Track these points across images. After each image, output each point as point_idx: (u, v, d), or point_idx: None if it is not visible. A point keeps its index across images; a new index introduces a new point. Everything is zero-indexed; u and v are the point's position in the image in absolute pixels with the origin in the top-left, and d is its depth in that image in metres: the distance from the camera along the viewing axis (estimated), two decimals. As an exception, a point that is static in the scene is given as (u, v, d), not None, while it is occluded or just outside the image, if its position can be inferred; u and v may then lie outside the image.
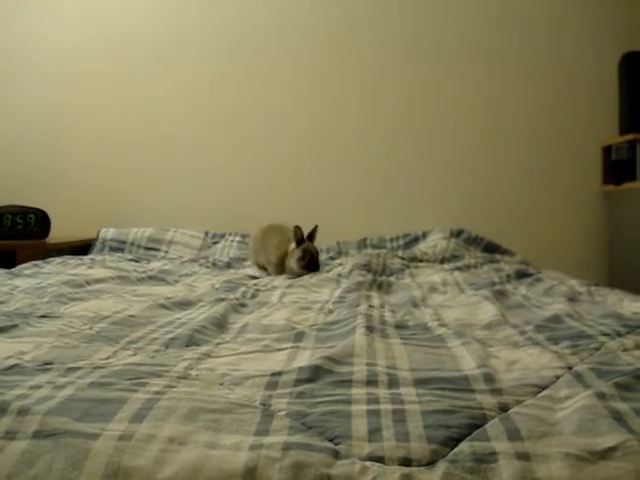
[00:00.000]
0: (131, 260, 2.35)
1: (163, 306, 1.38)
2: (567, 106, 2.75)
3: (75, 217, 2.82)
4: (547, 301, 1.47)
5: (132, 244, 2.60)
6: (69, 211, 2.81)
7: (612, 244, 2.66)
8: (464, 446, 0.62)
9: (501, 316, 1.26)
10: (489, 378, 0.82)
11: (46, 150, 2.91)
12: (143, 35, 2.89)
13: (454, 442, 0.63)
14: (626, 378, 0.80)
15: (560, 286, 1.70)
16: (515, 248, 2.58)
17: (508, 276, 1.91)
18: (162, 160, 2.87)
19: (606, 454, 0.60)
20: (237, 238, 2.63)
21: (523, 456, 0.60)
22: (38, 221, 2.49)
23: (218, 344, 1.04)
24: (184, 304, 1.42)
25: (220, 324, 1.20)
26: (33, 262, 2.06)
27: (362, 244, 2.60)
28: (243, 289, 1.65)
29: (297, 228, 2.01)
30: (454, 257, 2.39)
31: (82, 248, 2.62)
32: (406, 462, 0.60)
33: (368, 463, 0.59)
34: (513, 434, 0.64)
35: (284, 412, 0.71)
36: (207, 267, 2.24)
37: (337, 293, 1.60)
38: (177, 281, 1.86)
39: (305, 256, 1.99)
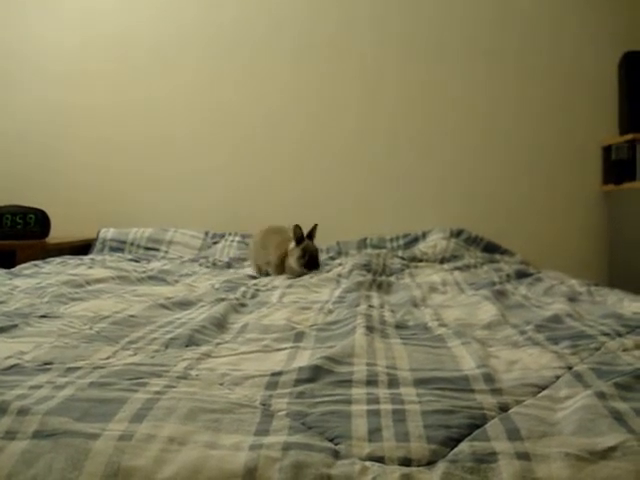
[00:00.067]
0: (131, 260, 2.35)
1: (163, 306, 1.38)
2: (567, 106, 2.75)
3: (75, 217, 2.82)
4: (547, 301, 1.47)
5: (132, 244, 2.60)
6: (69, 211, 2.81)
7: (612, 244, 2.66)
8: (464, 446, 0.62)
9: (501, 316, 1.26)
10: (489, 378, 0.82)
11: (46, 150, 2.91)
12: (143, 35, 2.89)
13: (454, 442, 0.63)
14: (626, 378, 0.79)
15: (560, 286, 1.70)
16: (515, 248, 2.58)
17: (508, 276, 1.91)
18: (162, 160, 2.87)
19: (606, 454, 0.60)
20: (237, 238, 2.63)
21: (523, 456, 0.59)
22: (38, 221, 2.49)
23: (218, 344, 1.04)
24: (184, 304, 1.42)
25: (220, 324, 1.20)
26: (33, 262, 2.06)
27: (362, 244, 2.61)
28: (243, 289, 1.65)
29: (297, 227, 2.01)
30: (454, 257, 2.39)
31: (82, 248, 2.62)
32: (406, 462, 0.60)
33: (368, 463, 0.59)
34: (513, 434, 0.64)
35: (284, 412, 0.71)
36: (207, 267, 2.24)
37: (337, 293, 1.60)
38: (177, 281, 1.86)
39: (305, 254, 1.99)
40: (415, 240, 2.61)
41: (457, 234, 2.59)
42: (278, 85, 2.84)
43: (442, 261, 2.37)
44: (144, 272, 1.96)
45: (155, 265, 2.20)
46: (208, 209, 2.83)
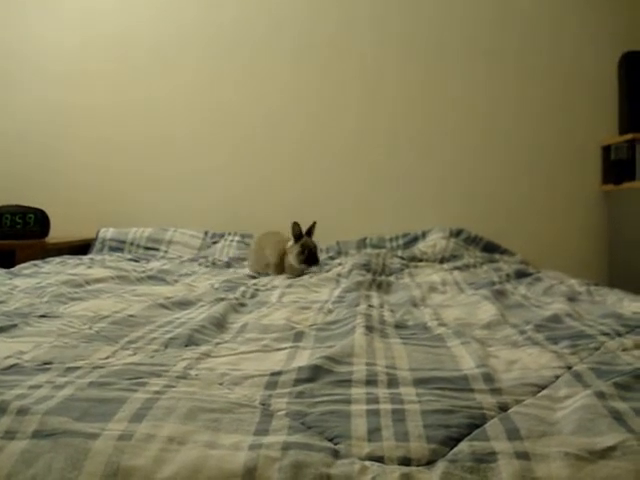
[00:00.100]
0: (130, 260, 2.35)
1: (162, 306, 1.38)
2: (567, 106, 2.75)
3: (75, 217, 2.82)
4: (547, 301, 1.47)
5: (131, 244, 2.60)
6: (69, 211, 2.81)
7: (612, 244, 2.66)
8: (463, 446, 0.62)
9: (500, 316, 1.26)
10: (488, 378, 0.82)
11: (46, 150, 2.91)
12: (143, 35, 2.89)
13: (454, 442, 0.63)
14: (625, 378, 0.80)
15: (560, 286, 1.70)
16: (515, 248, 2.58)
17: (508, 276, 1.91)
18: (162, 160, 2.87)
19: (605, 453, 0.60)
20: (237, 238, 2.63)
21: (523, 456, 0.60)
22: (37, 221, 2.49)
23: (217, 344, 1.04)
24: (183, 304, 1.42)
25: (219, 324, 1.20)
26: (32, 262, 2.06)
27: (362, 244, 2.61)
28: (242, 289, 1.65)
29: (295, 224, 2.02)
30: (453, 257, 2.39)
31: (81, 248, 2.62)
32: (405, 462, 0.60)
33: (368, 463, 0.59)
34: (513, 434, 0.64)
35: (284, 412, 0.71)
36: (207, 267, 2.24)
37: (336, 293, 1.60)
38: (176, 281, 1.86)
39: (304, 250, 2.00)
40: (415, 240, 2.61)
41: (457, 234, 2.59)
42: (278, 85, 2.84)
43: (442, 261, 2.37)
44: (143, 272, 1.96)
45: (155, 265, 2.20)
46: (208, 209, 2.83)
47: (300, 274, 2.00)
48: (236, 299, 1.48)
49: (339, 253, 2.51)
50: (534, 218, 2.75)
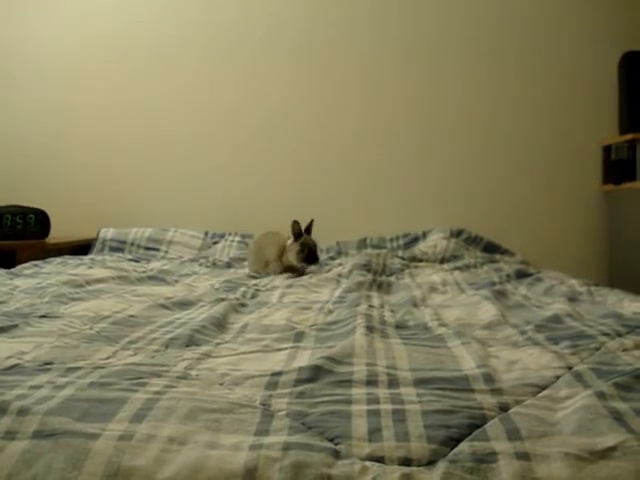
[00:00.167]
0: (131, 260, 2.35)
1: (163, 306, 1.38)
2: (567, 106, 2.75)
3: (75, 217, 2.82)
4: (547, 301, 1.47)
5: (132, 244, 2.60)
6: (69, 211, 2.81)
7: (612, 244, 2.66)
8: (464, 446, 0.62)
9: (501, 316, 1.26)
10: (489, 378, 0.82)
11: (46, 150, 2.91)
12: (143, 35, 2.89)
13: (454, 442, 0.63)
14: (626, 378, 0.80)
15: (560, 286, 1.70)
16: (515, 248, 2.58)
17: (508, 276, 1.91)
18: (162, 160, 2.87)
19: (606, 454, 0.60)
20: (237, 238, 2.63)
21: (523, 456, 0.60)
22: (38, 221, 2.49)
23: (218, 344, 1.04)
24: (184, 304, 1.42)
25: (220, 324, 1.20)
26: (33, 262, 2.06)
27: (362, 244, 2.61)
28: (243, 289, 1.65)
29: (295, 223, 2.02)
30: (454, 257, 2.39)
31: (82, 248, 2.62)
32: (406, 462, 0.60)
33: (368, 463, 0.59)
34: (513, 434, 0.64)
35: (284, 412, 0.71)
36: (207, 267, 2.24)
37: (337, 293, 1.60)
38: (177, 281, 1.86)
39: (304, 249, 2.01)
40: (415, 240, 2.61)
41: (457, 234, 2.59)
42: (278, 85, 2.84)
43: (442, 261, 2.37)
44: (144, 272, 1.96)
45: (155, 265, 2.20)
46: (208, 209, 2.83)
47: (300, 273, 2.01)
48: (236, 299, 1.48)
49: (339, 253, 2.51)
50: (534, 218, 2.75)
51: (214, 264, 2.30)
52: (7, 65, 2.92)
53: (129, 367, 0.86)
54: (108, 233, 2.66)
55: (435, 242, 2.50)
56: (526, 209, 2.76)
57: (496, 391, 0.78)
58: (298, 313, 1.33)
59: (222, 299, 1.46)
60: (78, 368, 0.86)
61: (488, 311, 1.32)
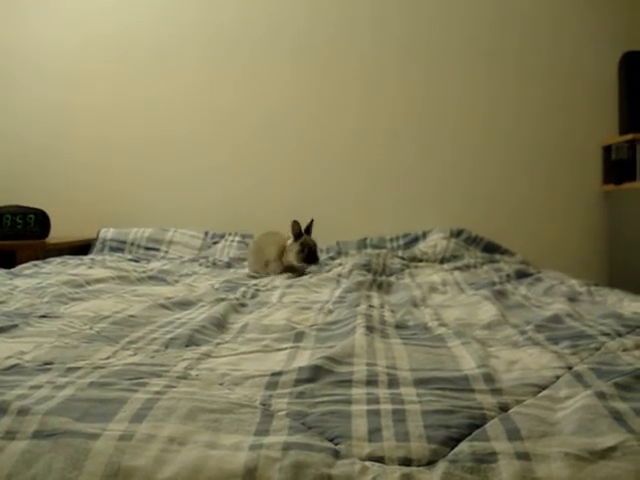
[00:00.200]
0: (131, 260, 2.35)
1: (163, 306, 1.38)
2: (567, 106, 2.75)
3: (75, 217, 2.82)
4: (547, 301, 1.47)
5: (132, 244, 2.60)
6: (69, 211, 2.82)
7: (612, 244, 2.66)
8: (464, 446, 0.62)
9: (501, 316, 1.26)
10: (489, 378, 0.82)
11: (46, 150, 2.91)
12: (143, 35, 2.89)
13: (454, 442, 0.63)
14: (626, 378, 0.80)
15: (560, 286, 1.70)
16: (515, 248, 2.58)
17: (508, 276, 1.91)
18: (162, 160, 2.87)
19: (606, 454, 0.60)
20: (237, 238, 2.63)
21: (523, 456, 0.60)
22: (38, 221, 2.49)
23: (218, 344, 1.04)
24: (184, 304, 1.42)
25: (220, 324, 1.20)
26: (33, 262, 2.06)
27: (362, 244, 2.61)
28: (243, 289, 1.65)
29: (295, 223, 2.02)
30: (454, 257, 2.39)
31: (82, 248, 2.62)
32: (406, 462, 0.60)
33: (368, 463, 0.59)
34: (513, 434, 0.64)
35: (284, 412, 0.71)
36: (207, 267, 2.24)
37: (337, 293, 1.60)
38: (177, 281, 1.86)
39: (304, 249, 2.01)
40: (415, 240, 2.61)
41: (457, 234, 2.59)
42: (278, 85, 2.84)
43: (442, 261, 2.37)
44: (144, 272, 1.96)
45: (155, 265, 2.20)
46: (208, 209, 2.83)
47: (300, 273, 2.01)
48: (236, 299, 1.48)
49: (339, 253, 2.51)
50: (534, 218, 2.75)
51: (214, 264, 2.30)
52: (7, 65, 2.92)
53: (129, 367, 0.86)
54: (108, 233, 2.66)
55: (435, 242, 2.50)
56: (526, 209, 2.76)
57: (496, 391, 0.78)
58: (298, 313, 1.33)
59: (222, 299, 1.46)
60: (78, 368, 0.86)
61: (488, 311, 1.32)
